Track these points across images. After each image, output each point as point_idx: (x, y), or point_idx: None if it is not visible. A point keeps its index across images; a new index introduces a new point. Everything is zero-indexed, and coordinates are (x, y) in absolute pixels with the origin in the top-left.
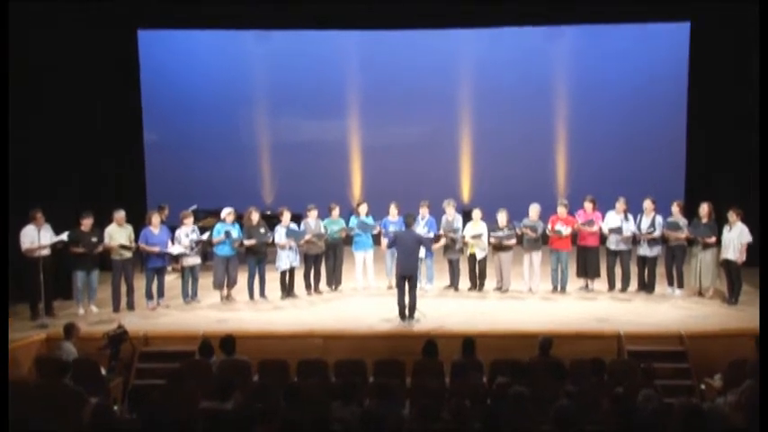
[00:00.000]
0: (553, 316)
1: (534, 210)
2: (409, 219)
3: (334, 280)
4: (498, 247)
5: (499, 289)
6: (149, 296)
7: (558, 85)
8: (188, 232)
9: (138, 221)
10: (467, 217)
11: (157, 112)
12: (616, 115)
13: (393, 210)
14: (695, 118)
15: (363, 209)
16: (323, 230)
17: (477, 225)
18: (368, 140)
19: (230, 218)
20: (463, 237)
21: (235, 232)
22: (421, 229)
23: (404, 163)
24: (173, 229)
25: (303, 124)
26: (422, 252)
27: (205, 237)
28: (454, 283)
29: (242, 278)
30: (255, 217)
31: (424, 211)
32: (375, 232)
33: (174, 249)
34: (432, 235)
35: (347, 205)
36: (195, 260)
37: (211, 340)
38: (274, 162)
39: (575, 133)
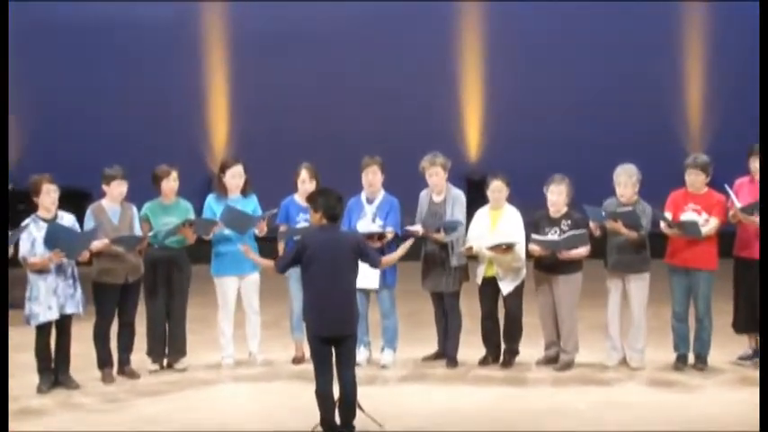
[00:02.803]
0: (681, 423)
1: (628, 179)
2: (328, 199)
3: (170, 345)
4: (550, 266)
5: (554, 360)
6: None
7: None
8: None
9: None
10: (475, 195)
11: None
12: None
13: (305, 180)
14: None
15: (234, 178)
16: (138, 228)
17: (501, 215)
18: (243, 22)
19: None
20: (469, 247)
21: None
22: (367, 223)
23: (326, 74)
24: None
25: None
26: (371, 279)
27: None
28: (446, 350)
29: None
30: None
31: (372, 181)
32: (261, 233)
33: None
34: (390, 235)
35: (197, 171)
36: None
37: None
38: (22, 81)
39: (722, 29)
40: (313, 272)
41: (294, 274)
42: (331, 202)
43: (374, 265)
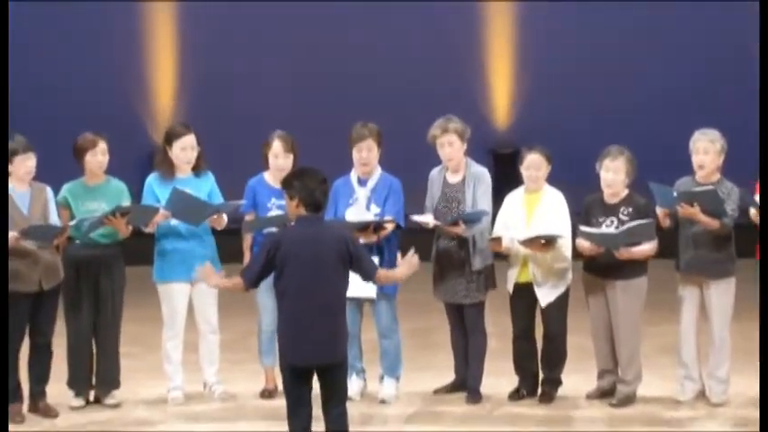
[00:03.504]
0: None
1: (709, 144)
2: (307, 182)
3: (98, 373)
4: (604, 269)
5: (609, 393)
6: None
7: None
8: None
9: None
10: (505, 174)
11: None
12: None
13: (277, 153)
14: None
15: (185, 151)
16: (54, 217)
17: (540, 200)
18: None
19: None
20: (496, 238)
21: None
22: (359, 211)
23: (309, 19)
24: None
25: None
26: (365, 286)
27: None
28: (467, 380)
29: None
30: None
31: (367, 158)
32: (220, 226)
33: None
34: (390, 227)
35: (135, 142)
36: None
37: None
38: None
39: None
40: (288, 278)
41: (263, 289)
42: (310, 184)
43: (368, 275)
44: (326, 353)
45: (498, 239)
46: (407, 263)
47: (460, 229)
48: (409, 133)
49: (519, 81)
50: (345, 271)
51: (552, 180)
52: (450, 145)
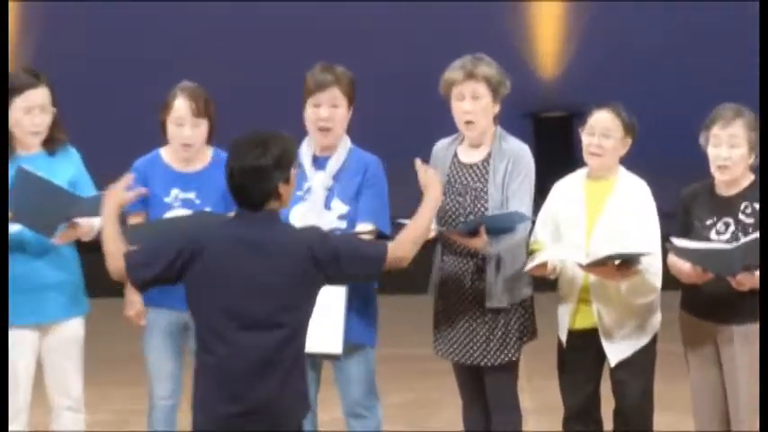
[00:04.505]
0: None
1: None
2: (230, 155)
3: None
4: (714, 305)
5: None
6: None
7: None
8: None
9: None
10: (553, 150)
11: None
12: None
13: (182, 118)
14: None
15: (31, 114)
16: None
17: (611, 191)
18: None
19: None
20: (539, 265)
21: None
22: (314, 211)
23: None
24: None
25: None
26: (327, 337)
27: None
28: None
29: None
30: None
31: (328, 118)
32: (86, 233)
33: None
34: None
35: None
36: None
37: None
38: None
39: None
40: (212, 309)
41: (158, 316)
42: (231, 162)
43: (372, 269)
44: (270, 420)
45: (542, 264)
46: (427, 181)
47: (480, 242)
48: (403, 88)
49: (573, 11)
50: (308, 296)
51: (626, 167)
52: (475, 99)
